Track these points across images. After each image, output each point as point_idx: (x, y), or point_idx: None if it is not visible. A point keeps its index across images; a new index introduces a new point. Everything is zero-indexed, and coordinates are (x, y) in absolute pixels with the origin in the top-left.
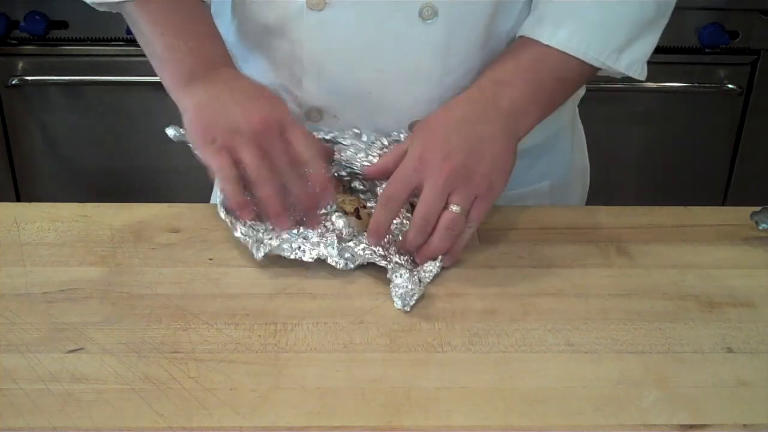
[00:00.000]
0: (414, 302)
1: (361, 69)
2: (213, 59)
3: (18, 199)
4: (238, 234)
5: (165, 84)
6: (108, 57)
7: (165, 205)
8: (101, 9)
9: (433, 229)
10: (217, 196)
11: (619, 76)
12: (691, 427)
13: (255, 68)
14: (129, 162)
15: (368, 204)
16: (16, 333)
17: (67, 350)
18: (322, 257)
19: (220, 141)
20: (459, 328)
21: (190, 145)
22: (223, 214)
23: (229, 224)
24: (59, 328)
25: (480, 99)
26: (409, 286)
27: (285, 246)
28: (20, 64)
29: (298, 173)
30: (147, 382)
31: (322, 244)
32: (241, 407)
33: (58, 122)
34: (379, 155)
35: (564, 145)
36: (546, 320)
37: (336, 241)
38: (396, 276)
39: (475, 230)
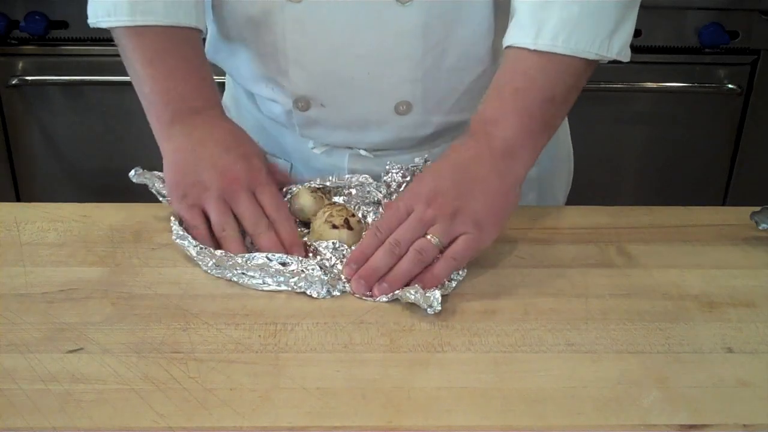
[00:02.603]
0: (439, 302)
1: (344, 56)
2: (197, 103)
3: (18, 199)
4: (205, 269)
5: (150, 123)
6: (108, 57)
7: (165, 205)
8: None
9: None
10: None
11: (605, 61)
12: (691, 427)
13: (242, 61)
14: (129, 162)
15: (357, 213)
16: (16, 333)
17: (67, 350)
18: (299, 290)
19: (190, 198)
20: (459, 328)
21: (151, 189)
22: (193, 252)
23: (198, 259)
24: (59, 328)
25: (473, 142)
26: (426, 294)
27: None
28: (20, 64)
29: (263, 227)
30: (147, 382)
31: (299, 277)
32: (241, 407)
33: (58, 122)
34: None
35: None
36: (546, 320)
37: (318, 274)
38: (408, 295)
39: (458, 267)
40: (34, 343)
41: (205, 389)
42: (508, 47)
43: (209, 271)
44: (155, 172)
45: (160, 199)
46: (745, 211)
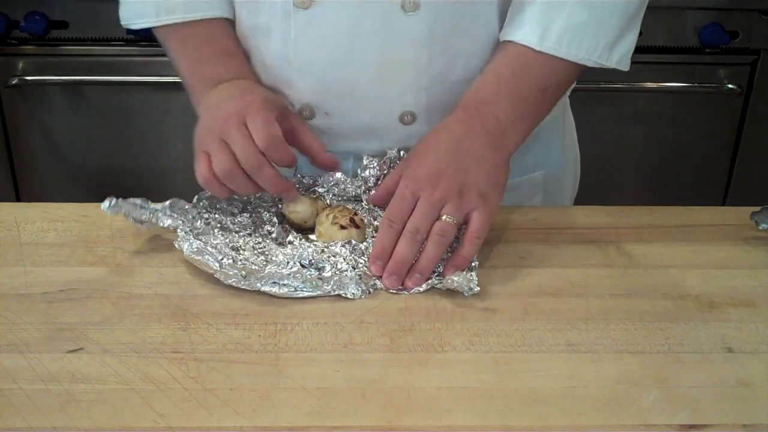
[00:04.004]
0: (477, 284)
1: (349, 64)
2: (224, 78)
3: (18, 199)
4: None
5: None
6: (108, 57)
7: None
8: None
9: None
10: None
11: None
12: (691, 427)
13: None
14: (129, 162)
15: (359, 211)
16: (16, 333)
17: (67, 350)
18: (335, 293)
19: (202, 146)
20: (459, 328)
21: (127, 218)
22: (216, 266)
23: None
24: (59, 328)
25: (465, 119)
26: (467, 276)
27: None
28: (20, 64)
29: (255, 163)
30: (147, 382)
31: (333, 281)
32: (241, 407)
33: (58, 122)
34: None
35: (555, 135)
36: (546, 320)
37: (352, 275)
38: (450, 281)
39: (479, 245)
40: (34, 343)
41: (205, 389)
42: (509, 42)
43: (238, 284)
44: (129, 199)
45: (139, 226)
46: (745, 211)
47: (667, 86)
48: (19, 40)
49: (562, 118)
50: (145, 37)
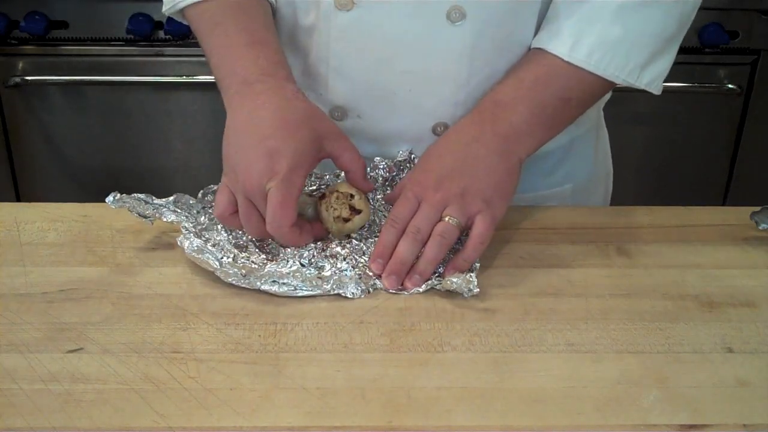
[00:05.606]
0: (476, 285)
1: (387, 69)
2: (249, 75)
3: (18, 199)
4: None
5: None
6: (108, 57)
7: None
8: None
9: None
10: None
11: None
12: (691, 427)
13: None
14: (129, 162)
15: (354, 195)
16: (16, 333)
17: (67, 350)
18: (334, 293)
19: (227, 179)
20: (459, 328)
21: (132, 212)
22: (216, 265)
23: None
24: (59, 328)
25: (478, 121)
26: (466, 277)
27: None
28: (20, 64)
29: (281, 233)
30: (147, 382)
31: (333, 280)
32: (241, 407)
33: (58, 122)
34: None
35: (587, 149)
36: (546, 320)
37: (352, 274)
38: (449, 282)
39: (485, 247)
40: (34, 343)
41: (205, 389)
42: (538, 49)
43: (238, 283)
44: (135, 195)
45: (143, 221)
46: (745, 211)
47: (667, 86)
48: (19, 40)
49: (596, 132)
50: (145, 37)
